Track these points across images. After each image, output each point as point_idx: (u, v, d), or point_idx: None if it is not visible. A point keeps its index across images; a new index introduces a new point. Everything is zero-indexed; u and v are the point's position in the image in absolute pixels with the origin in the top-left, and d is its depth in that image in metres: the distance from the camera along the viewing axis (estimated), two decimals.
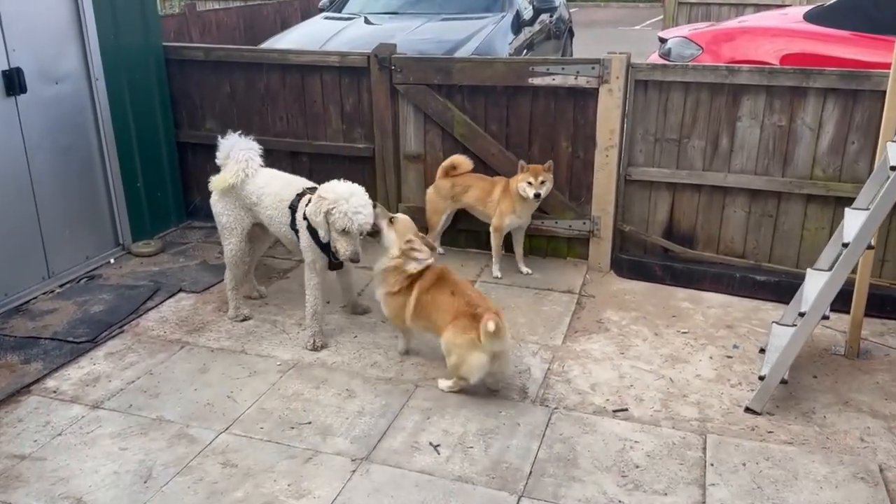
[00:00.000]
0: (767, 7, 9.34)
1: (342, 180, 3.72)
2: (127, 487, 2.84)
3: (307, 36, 6.93)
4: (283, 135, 5.31)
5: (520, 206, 4.44)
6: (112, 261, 4.91)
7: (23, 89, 4.19)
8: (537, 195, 4.31)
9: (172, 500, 2.77)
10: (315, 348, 3.83)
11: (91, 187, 4.78)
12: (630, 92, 4.42)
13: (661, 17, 21.18)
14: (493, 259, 4.67)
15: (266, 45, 6.88)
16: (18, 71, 4.15)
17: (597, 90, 4.44)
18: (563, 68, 4.48)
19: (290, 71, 5.14)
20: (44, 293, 4.40)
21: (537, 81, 4.54)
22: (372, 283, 3.97)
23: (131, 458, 3.01)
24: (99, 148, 4.78)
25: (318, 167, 5.33)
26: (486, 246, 5.06)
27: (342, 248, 3.57)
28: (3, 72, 4.08)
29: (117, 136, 4.84)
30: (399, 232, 3.62)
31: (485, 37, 6.68)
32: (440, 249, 4.98)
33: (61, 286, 4.51)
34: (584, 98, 4.51)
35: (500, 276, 4.63)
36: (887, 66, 3.54)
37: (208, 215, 5.58)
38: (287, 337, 3.99)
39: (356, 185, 3.66)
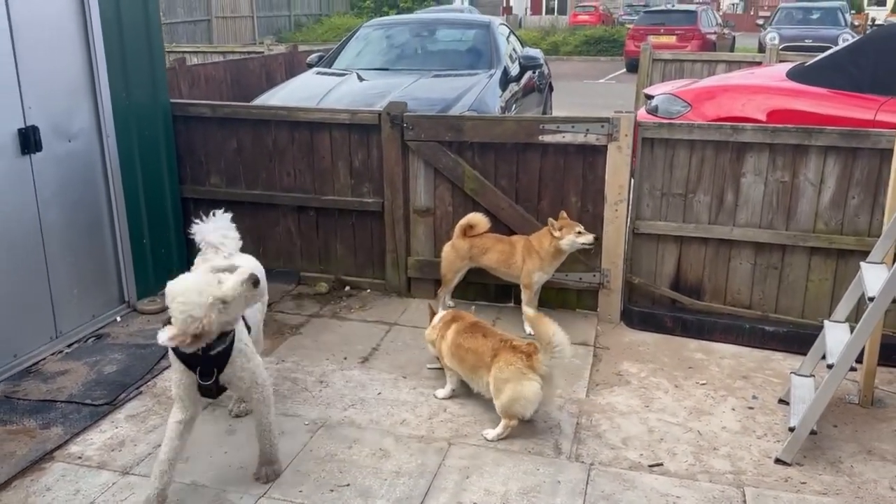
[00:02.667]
0: (738, 64, 9.78)
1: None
2: None
3: (301, 91, 7.01)
4: (290, 189, 5.34)
5: (548, 263, 4.53)
6: (118, 318, 4.82)
7: (38, 147, 4.15)
8: (597, 238, 4.53)
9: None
10: None
11: (99, 244, 4.71)
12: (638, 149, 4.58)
13: (623, 70, 22.03)
14: (525, 317, 4.70)
15: (260, 100, 6.92)
16: (34, 129, 4.12)
17: (606, 147, 4.59)
18: (572, 126, 4.62)
19: (299, 127, 5.20)
20: (52, 353, 4.29)
21: (547, 139, 4.67)
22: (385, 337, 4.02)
23: None
24: (108, 204, 4.73)
25: (325, 221, 5.37)
26: (494, 299, 5.13)
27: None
28: (20, 130, 4.05)
29: (126, 193, 4.80)
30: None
31: (477, 94, 6.84)
32: (450, 303, 5.02)
33: (69, 346, 4.40)
34: (594, 154, 4.65)
35: (532, 332, 4.64)
36: (867, 123, 3.74)
37: None
38: (310, 395, 3.95)
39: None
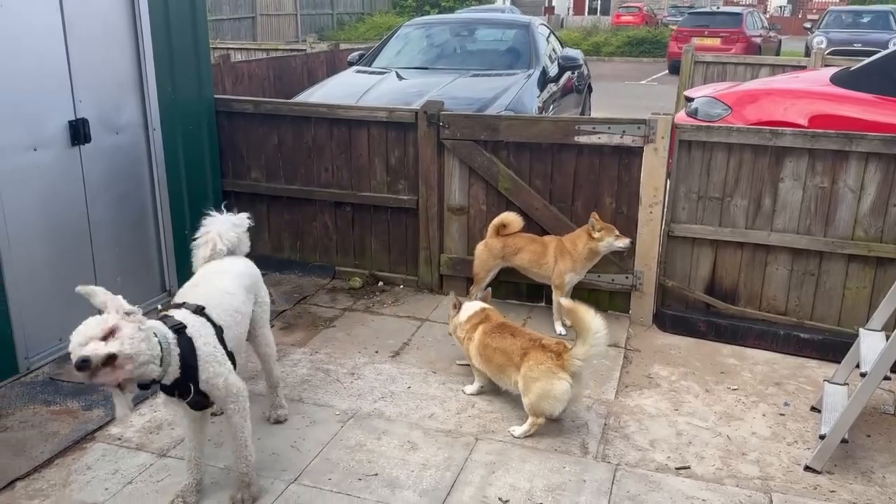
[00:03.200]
0: (783, 67, 9.61)
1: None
2: None
3: (341, 89, 7.11)
4: (328, 185, 5.43)
5: (581, 265, 4.54)
6: (160, 306, 4.94)
7: (87, 139, 4.30)
8: (632, 242, 4.55)
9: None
10: None
11: (143, 234, 4.86)
12: (675, 151, 4.57)
13: (665, 72, 21.78)
14: (555, 317, 4.75)
15: (301, 97, 7.04)
16: (84, 121, 4.27)
17: (642, 149, 4.58)
18: (609, 127, 4.62)
19: (338, 124, 5.29)
20: None
21: (583, 139, 4.68)
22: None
23: None
24: (152, 196, 4.88)
25: (361, 217, 5.45)
26: (526, 298, 5.15)
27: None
28: (70, 122, 4.20)
29: (170, 185, 4.95)
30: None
31: (515, 94, 6.85)
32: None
33: None
34: (630, 156, 4.65)
35: (564, 332, 4.67)
36: None
37: None
38: (341, 386, 4.03)
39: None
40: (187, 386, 2.76)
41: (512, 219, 4.74)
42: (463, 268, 5.15)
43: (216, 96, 5.40)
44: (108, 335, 2.46)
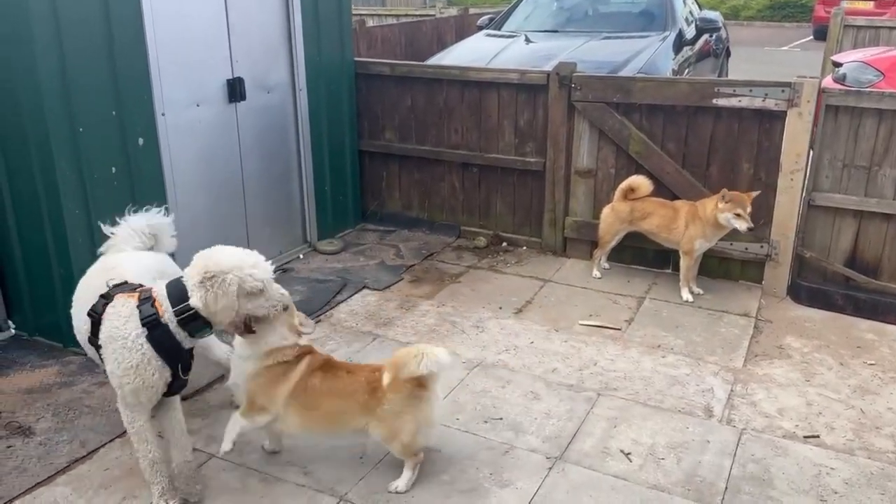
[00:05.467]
0: None
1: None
2: (345, 461, 3.12)
3: (472, 53, 7.21)
4: (456, 147, 5.59)
5: (711, 232, 4.46)
6: (301, 256, 5.34)
7: (242, 97, 4.66)
8: (750, 229, 4.31)
9: (386, 478, 3.02)
10: None
11: (288, 189, 5.22)
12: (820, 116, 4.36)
13: (809, 37, 20.33)
14: (682, 283, 4.69)
15: (432, 60, 7.22)
16: (240, 80, 4.62)
17: (785, 113, 4.41)
18: (750, 90, 4.47)
19: (469, 87, 5.41)
20: None
21: (721, 102, 4.56)
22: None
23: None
24: (297, 153, 5.22)
25: (487, 178, 5.57)
26: (652, 264, 5.12)
27: None
28: (228, 80, 4.56)
29: (313, 143, 5.27)
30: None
31: (648, 57, 6.70)
32: (605, 265, 5.09)
33: None
34: (771, 121, 4.48)
35: (691, 299, 4.62)
36: None
37: (381, 219, 5.99)
38: (467, 337, 4.21)
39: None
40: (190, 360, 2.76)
41: (641, 182, 4.71)
42: (588, 231, 5.17)
43: (356, 59, 5.66)
44: None
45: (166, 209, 3.36)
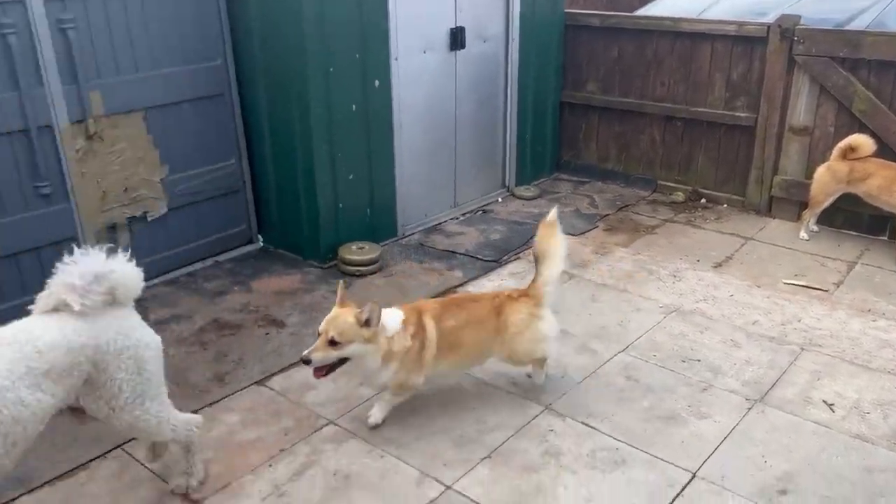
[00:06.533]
0: None
1: None
2: (549, 380, 3.39)
3: (685, 2, 7.03)
4: (661, 99, 5.58)
5: None
6: (500, 199, 5.65)
7: (462, 45, 4.98)
8: None
9: (589, 397, 3.25)
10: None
11: (493, 136, 5.53)
12: None
13: None
14: None
15: (641, 12, 7.14)
16: (461, 29, 4.94)
17: None
18: None
19: (681, 38, 5.37)
20: (451, 218, 5.25)
21: None
22: None
23: None
24: (504, 101, 5.49)
25: (691, 133, 5.53)
26: (866, 229, 4.88)
27: None
28: (451, 29, 4.89)
29: (519, 93, 5.51)
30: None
31: (882, 9, 6.18)
32: (814, 227, 4.91)
33: (463, 215, 5.33)
34: None
35: None
36: None
37: (575, 170, 6.15)
38: (663, 284, 4.30)
39: None
40: None
41: (863, 141, 4.49)
42: (798, 191, 5.01)
43: (566, 10, 5.79)
44: None
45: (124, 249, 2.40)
